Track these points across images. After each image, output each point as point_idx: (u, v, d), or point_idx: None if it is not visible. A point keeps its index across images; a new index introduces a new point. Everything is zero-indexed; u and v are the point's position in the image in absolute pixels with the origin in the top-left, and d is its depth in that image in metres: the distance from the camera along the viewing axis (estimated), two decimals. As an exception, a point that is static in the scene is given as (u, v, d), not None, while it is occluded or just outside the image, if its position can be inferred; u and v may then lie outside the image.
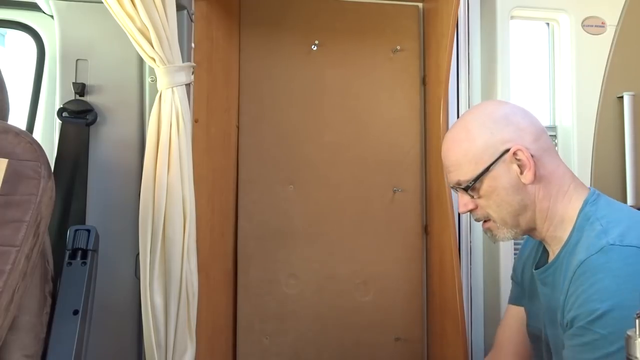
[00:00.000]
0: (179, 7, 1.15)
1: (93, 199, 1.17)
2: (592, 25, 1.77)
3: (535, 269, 1.00)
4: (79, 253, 0.96)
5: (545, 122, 1.85)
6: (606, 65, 1.76)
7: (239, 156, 1.76)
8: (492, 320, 1.66)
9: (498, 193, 0.92)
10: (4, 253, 0.75)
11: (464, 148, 0.93)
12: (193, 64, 1.20)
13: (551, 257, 0.96)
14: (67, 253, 0.96)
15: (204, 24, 1.37)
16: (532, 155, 0.90)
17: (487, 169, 0.91)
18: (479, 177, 0.92)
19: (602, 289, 0.80)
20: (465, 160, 0.93)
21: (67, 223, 1.11)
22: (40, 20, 1.34)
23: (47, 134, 1.31)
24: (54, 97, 1.21)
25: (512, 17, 1.75)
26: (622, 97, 1.75)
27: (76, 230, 0.98)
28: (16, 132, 0.82)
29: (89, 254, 0.96)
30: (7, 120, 0.91)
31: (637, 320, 0.60)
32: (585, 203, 0.92)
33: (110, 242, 1.12)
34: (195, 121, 1.26)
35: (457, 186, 0.96)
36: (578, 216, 0.91)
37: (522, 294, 1.10)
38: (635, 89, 1.75)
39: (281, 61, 1.80)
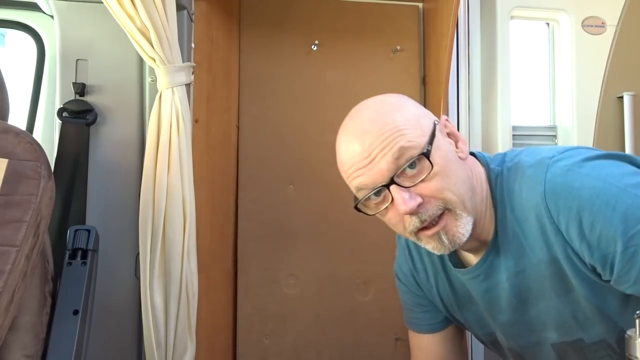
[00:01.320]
0: (179, 7, 1.15)
1: (93, 199, 1.17)
2: (592, 25, 1.77)
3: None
4: (79, 253, 0.96)
5: (545, 122, 1.85)
6: (606, 65, 1.76)
7: (239, 156, 1.76)
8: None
9: (449, 166, 0.74)
10: (4, 253, 0.75)
11: (400, 116, 0.74)
12: (193, 64, 1.20)
13: (470, 245, 0.82)
14: (67, 253, 0.96)
15: (204, 24, 1.37)
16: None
17: (433, 135, 0.74)
18: (431, 142, 0.73)
19: (597, 191, 0.69)
20: (408, 125, 0.73)
21: (67, 223, 1.11)
22: (40, 20, 1.34)
23: (47, 134, 1.31)
24: (54, 97, 1.21)
25: (512, 17, 1.75)
26: (622, 97, 1.75)
27: (76, 230, 0.98)
28: (16, 132, 0.82)
29: (89, 254, 0.96)
30: (7, 120, 0.91)
31: (637, 320, 0.60)
32: (487, 165, 0.82)
33: (110, 242, 1.12)
34: (195, 121, 1.26)
35: (405, 163, 0.72)
36: (490, 180, 0.80)
37: (446, 312, 0.97)
38: (635, 89, 1.75)
39: (281, 61, 1.80)
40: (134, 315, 1.15)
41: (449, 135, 0.79)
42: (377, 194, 0.75)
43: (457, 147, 0.79)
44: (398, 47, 1.85)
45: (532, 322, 0.85)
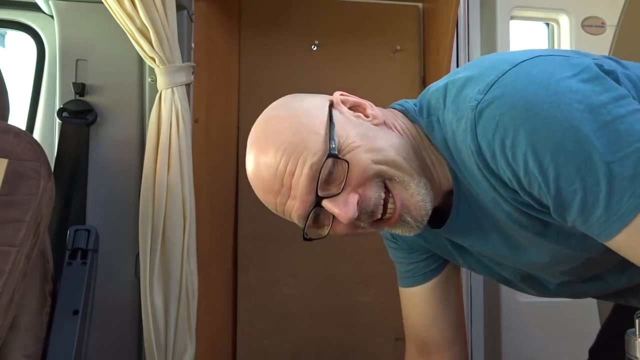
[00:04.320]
0: (179, 7, 1.15)
1: (93, 199, 1.17)
2: (592, 25, 1.78)
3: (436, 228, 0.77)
4: (79, 253, 0.96)
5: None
6: (606, 65, 1.76)
7: (239, 156, 1.76)
8: (492, 320, 1.66)
9: (365, 141, 0.67)
10: (4, 253, 0.75)
11: (289, 130, 0.66)
12: (193, 64, 1.20)
13: (437, 202, 0.73)
14: (67, 253, 0.96)
15: (203, 24, 1.37)
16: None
17: (331, 124, 0.67)
18: (332, 137, 0.65)
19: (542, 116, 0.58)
20: (302, 137, 0.65)
21: (67, 223, 1.11)
22: (40, 20, 1.34)
23: (47, 134, 1.31)
24: (54, 97, 1.21)
25: (512, 17, 1.75)
26: (622, 97, 1.75)
27: (76, 230, 0.98)
28: (16, 132, 0.82)
29: (89, 254, 0.96)
30: (7, 120, 0.91)
31: (637, 320, 0.60)
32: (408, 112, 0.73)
33: (110, 242, 1.12)
34: (195, 121, 1.26)
35: (321, 175, 0.65)
36: (422, 129, 0.71)
37: (442, 263, 0.90)
38: (635, 89, 1.75)
39: (281, 61, 1.80)
40: (134, 315, 1.15)
41: (352, 108, 0.72)
42: (315, 216, 0.68)
43: (366, 115, 0.71)
44: (398, 47, 1.85)
45: (535, 262, 0.77)
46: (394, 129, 0.72)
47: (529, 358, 1.66)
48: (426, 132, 0.71)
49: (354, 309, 1.78)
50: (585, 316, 1.71)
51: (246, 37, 1.79)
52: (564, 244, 0.70)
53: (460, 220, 0.74)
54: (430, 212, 0.70)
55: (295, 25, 1.81)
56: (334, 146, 0.64)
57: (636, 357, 0.60)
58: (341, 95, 0.72)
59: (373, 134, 0.68)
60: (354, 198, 0.65)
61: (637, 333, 0.60)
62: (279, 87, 1.80)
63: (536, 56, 0.64)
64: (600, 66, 0.63)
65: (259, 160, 0.67)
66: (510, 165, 0.61)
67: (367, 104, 0.72)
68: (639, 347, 0.60)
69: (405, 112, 0.75)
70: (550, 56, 0.64)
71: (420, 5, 1.89)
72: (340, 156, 0.64)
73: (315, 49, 1.81)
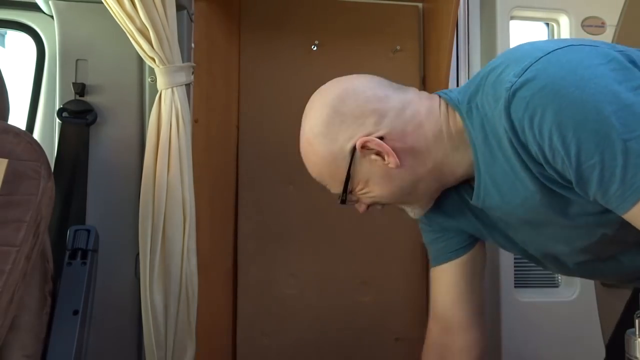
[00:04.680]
0: (179, 7, 1.15)
1: (93, 199, 1.17)
2: (592, 26, 1.77)
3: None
4: (79, 253, 0.96)
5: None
6: (606, 65, 1.76)
7: (239, 156, 1.76)
8: (492, 319, 1.66)
9: (376, 187, 0.84)
10: (4, 253, 0.75)
11: (317, 165, 0.86)
12: (193, 64, 1.20)
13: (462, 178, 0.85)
14: (67, 253, 0.96)
15: (203, 24, 1.37)
16: (382, 137, 0.80)
17: (348, 177, 0.83)
18: (346, 187, 0.83)
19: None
20: (325, 177, 0.86)
21: (67, 223, 1.11)
22: (40, 20, 1.34)
23: (47, 134, 1.31)
24: (54, 97, 1.21)
25: (512, 17, 1.75)
26: (622, 97, 1.74)
27: (76, 230, 0.98)
28: (16, 132, 0.82)
29: (89, 254, 0.96)
30: (7, 120, 0.91)
31: (636, 320, 0.60)
32: (452, 101, 0.82)
33: (110, 242, 1.12)
34: (195, 121, 1.26)
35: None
36: (459, 113, 0.80)
37: (472, 235, 0.99)
38: (635, 89, 1.75)
39: (281, 61, 1.80)
40: (134, 315, 1.15)
41: (371, 150, 0.81)
42: None
43: (384, 160, 0.81)
44: (398, 47, 1.85)
45: (555, 238, 0.85)
46: (413, 167, 0.82)
47: (529, 358, 1.66)
48: (464, 118, 0.80)
49: (354, 309, 1.78)
50: (585, 317, 1.72)
51: (246, 37, 1.79)
52: (582, 221, 0.77)
53: (482, 199, 0.83)
54: (429, 206, 0.91)
55: (295, 25, 1.81)
56: (344, 199, 0.85)
57: (636, 357, 0.60)
58: (366, 142, 0.80)
59: (388, 180, 0.83)
60: (363, 207, 0.90)
61: (637, 333, 0.60)
62: (279, 87, 1.80)
63: (568, 45, 0.71)
64: (627, 57, 0.70)
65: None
66: (536, 140, 0.68)
67: (386, 149, 0.80)
68: (639, 347, 0.60)
69: (448, 101, 0.84)
70: (580, 45, 0.71)
71: (420, 5, 1.89)
72: (349, 200, 0.86)
73: (315, 49, 1.81)
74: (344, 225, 1.78)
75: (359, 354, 1.77)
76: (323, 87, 0.90)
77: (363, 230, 1.78)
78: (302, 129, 0.88)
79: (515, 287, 1.66)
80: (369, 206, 0.89)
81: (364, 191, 0.85)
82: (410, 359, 1.79)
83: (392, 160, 0.80)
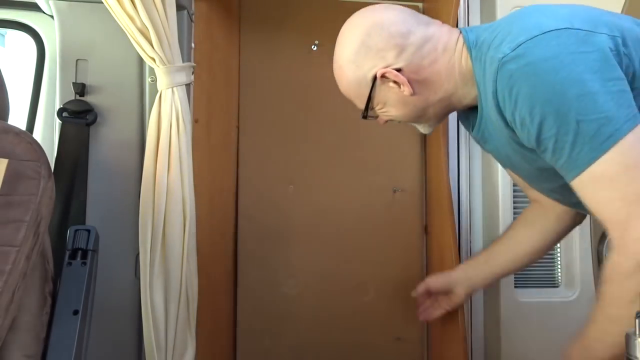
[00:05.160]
0: (179, 7, 1.15)
1: (93, 199, 1.17)
2: (592, 25, 1.77)
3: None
4: (79, 253, 0.96)
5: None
6: (606, 65, 1.75)
7: (239, 156, 1.76)
8: (492, 320, 1.66)
9: (392, 109, 1.00)
10: (4, 253, 0.75)
11: (345, 85, 1.01)
12: (193, 64, 1.20)
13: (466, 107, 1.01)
14: (67, 253, 0.96)
15: (204, 24, 1.37)
16: (400, 69, 0.93)
17: (369, 99, 0.98)
18: (367, 106, 0.99)
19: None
20: (352, 95, 1.01)
21: (67, 223, 1.11)
22: (40, 20, 1.34)
23: (47, 134, 1.31)
24: (54, 97, 1.21)
25: (512, 17, 1.75)
26: (622, 97, 1.74)
27: (76, 230, 0.98)
28: (16, 132, 0.82)
29: (89, 254, 0.96)
30: (7, 120, 0.91)
31: (636, 320, 0.60)
32: (468, 43, 0.94)
33: (110, 242, 1.12)
34: (195, 121, 1.26)
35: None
36: (470, 56, 0.92)
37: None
38: (635, 89, 1.75)
39: (281, 61, 1.80)
40: (134, 315, 1.15)
41: (389, 79, 0.95)
42: None
43: (400, 88, 0.95)
44: (398, 47, 1.85)
45: (530, 177, 1.04)
46: (426, 95, 0.97)
47: (529, 358, 1.66)
48: (473, 60, 0.92)
49: (354, 309, 1.78)
50: (585, 317, 1.71)
51: (246, 37, 1.79)
52: (551, 171, 0.89)
53: (480, 133, 0.99)
54: (437, 125, 1.08)
55: (295, 25, 1.81)
56: (365, 115, 1.01)
57: (636, 357, 0.60)
58: (384, 73, 0.94)
59: (402, 104, 0.98)
60: (382, 121, 1.06)
61: (637, 333, 0.60)
62: (279, 87, 1.80)
63: (564, 28, 0.80)
64: (616, 46, 0.79)
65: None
66: (511, 108, 0.81)
67: (405, 83, 0.94)
68: (638, 347, 0.60)
69: (465, 40, 0.95)
70: (576, 30, 0.80)
71: (420, 5, 1.89)
72: (370, 116, 1.02)
73: (315, 49, 1.81)
74: (344, 226, 1.78)
75: (359, 354, 1.77)
76: (355, 18, 1.02)
77: (363, 231, 1.78)
78: (335, 53, 1.02)
79: (515, 287, 1.66)
80: (386, 121, 1.05)
81: (382, 110, 1.01)
82: (410, 359, 1.80)
83: (406, 89, 0.94)
